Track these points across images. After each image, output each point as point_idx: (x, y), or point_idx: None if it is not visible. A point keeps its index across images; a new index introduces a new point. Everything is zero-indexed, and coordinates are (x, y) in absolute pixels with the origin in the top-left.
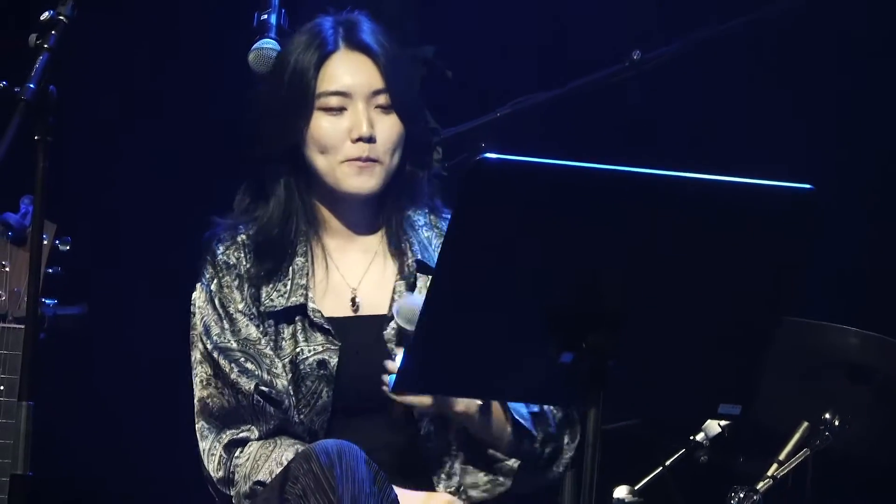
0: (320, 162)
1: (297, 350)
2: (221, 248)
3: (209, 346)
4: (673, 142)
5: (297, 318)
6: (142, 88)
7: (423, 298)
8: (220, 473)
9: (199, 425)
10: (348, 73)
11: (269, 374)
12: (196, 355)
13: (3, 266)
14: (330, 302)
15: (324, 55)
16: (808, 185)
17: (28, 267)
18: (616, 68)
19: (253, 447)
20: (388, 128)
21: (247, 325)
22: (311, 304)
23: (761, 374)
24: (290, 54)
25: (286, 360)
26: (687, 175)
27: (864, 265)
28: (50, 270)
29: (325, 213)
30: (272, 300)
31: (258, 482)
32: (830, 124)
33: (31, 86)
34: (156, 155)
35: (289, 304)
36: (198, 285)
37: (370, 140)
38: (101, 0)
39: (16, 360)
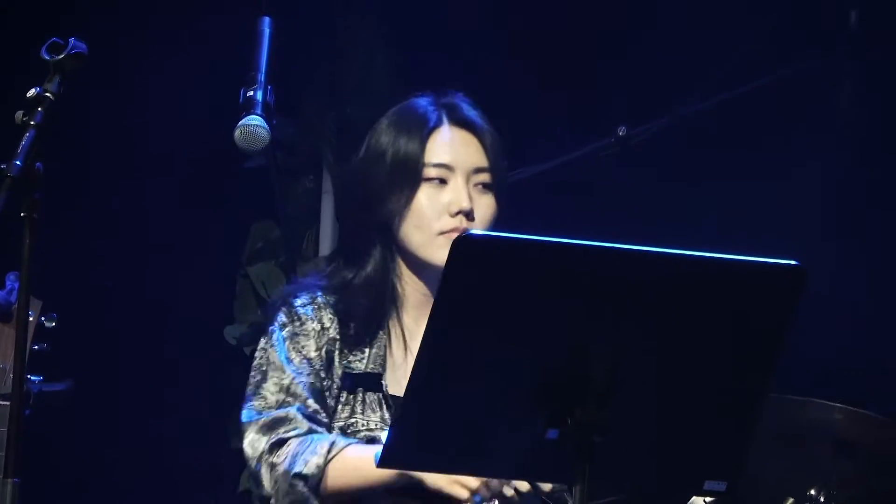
0: (414, 234)
1: (353, 420)
2: (299, 302)
3: (279, 364)
4: (657, 217)
5: (359, 389)
6: (128, 164)
7: None
8: (267, 482)
9: (249, 438)
10: (453, 147)
11: (328, 418)
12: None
13: None
14: (397, 380)
15: (430, 129)
16: (793, 261)
17: (14, 343)
18: (602, 143)
19: (292, 444)
20: (486, 207)
21: (317, 372)
22: (386, 377)
23: (747, 450)
24: (386, 130)
25: (338, 424)
26: (672, 252)
27: (849, 339)
28: (36, 347)
29: (407, 289)
30: (351, 363)
31: (297, 474)
32: (815, 199)
33: (18, 162)
34: (142, 231)
35: (367, 370)
36: (267, 334)
37: (469, 215)
38: (90, 77)
39: (1, 436)
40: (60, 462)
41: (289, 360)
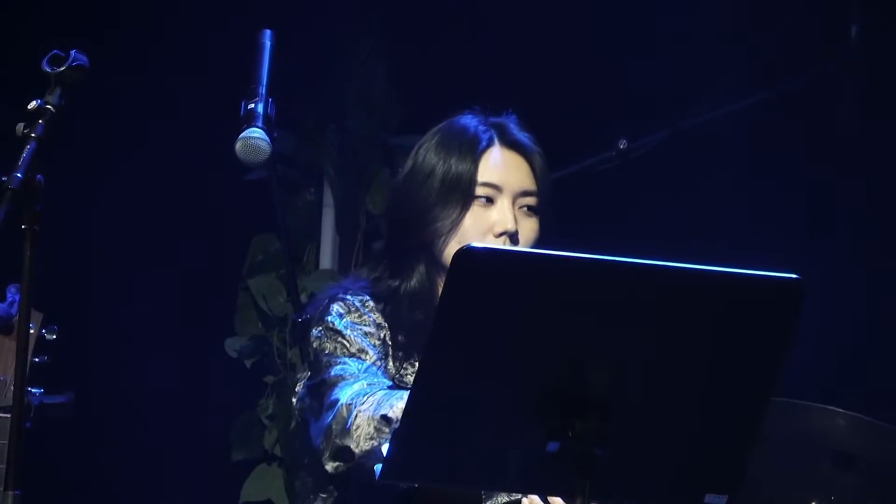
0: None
1: None
2: (350, 295)
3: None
4: (657, 230)
5: None
6: (129, 177)
7: None
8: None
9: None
10: (503, 167)
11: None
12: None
13: None
14: None
15: (483, 149)
16: (794, 275)
17: (15, 356)
18: (602, 157)
19: (377, 395)
20: (530, 230)
21: (382, 359)
22: None
23: (747, 463)
24: (436, 148)
25: None
26: (673, 265)
27: (852, 346)
28: (36, 359)
29: None
30: (403, 377)
31: (384, 417)
32: (815, 209)
33: (19, 175)
34: (142, 243)
35: None
36: (319, 328)
37: (514, 237)
38: (90, 91)
39: (2, 449)
40: (61, 474)
41: (360, 338)
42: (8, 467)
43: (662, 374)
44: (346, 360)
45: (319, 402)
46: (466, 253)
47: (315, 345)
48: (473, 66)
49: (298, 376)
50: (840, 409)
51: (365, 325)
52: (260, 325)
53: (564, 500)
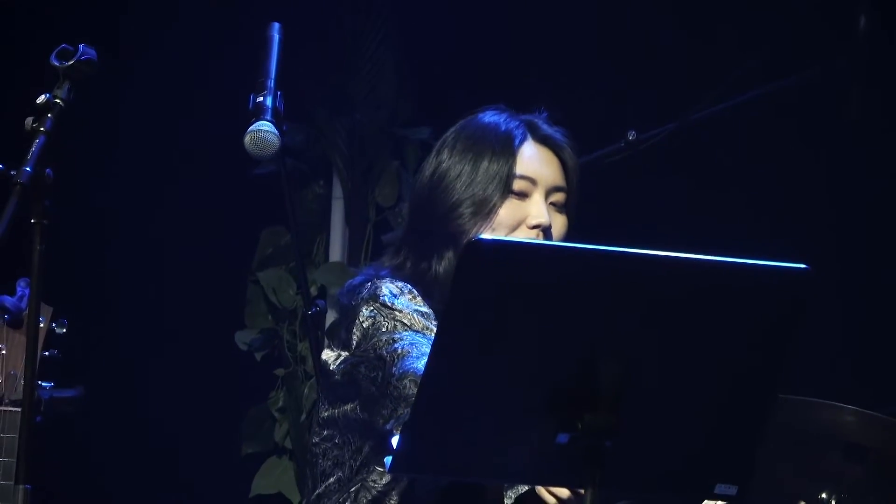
0: None
1: None
2: (389, 281)
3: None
4: (666, 221)
5: None
6: (138, 171)
7: None
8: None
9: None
10: (538, 162)
11: None
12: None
13: (0, 349)
14: None
15: (519, 143)
16: (802, 265)
17: (25, 350)
18: (611, 148)
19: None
20: (560, 226)
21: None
22: None
23: (757, 454)
24: (470, 141)
25: None
26: (681, 256)
27: (860, 342)
28: (46, 353)
29: None
30: None
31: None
32: (822, 201)
33: (28, 169)
34: (152, 237)
35: None
36: (372, 305)
37: (547, 231)
38: (98, 85)
39: (12, 443)
40: (71, 468)
41: (420, 317)
42: (18, 461)
43: (672, 365)
44: (411, 335)
45: (386, 372)
46: (475, 245)
47: (366, 324)
48: (482, 58)
49: (326, 357)
50: (849, 406)
51: (419, 305)
52: (270, 318)
53: (574, 491)
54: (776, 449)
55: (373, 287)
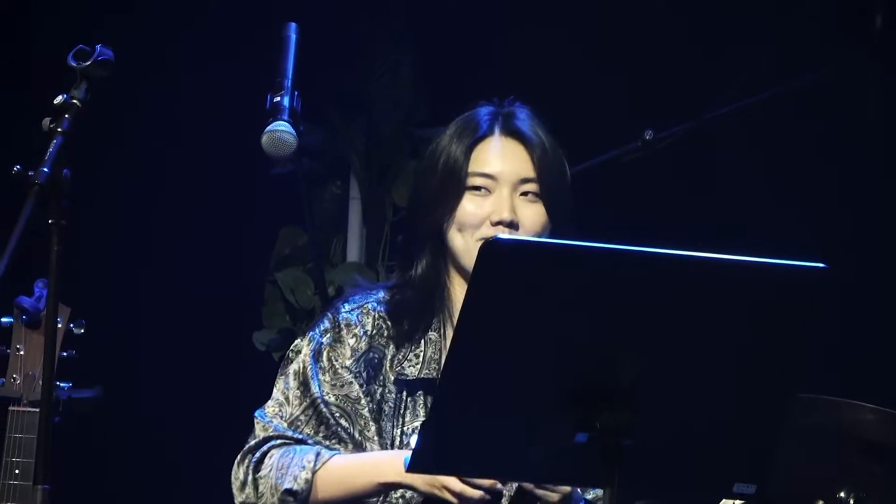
0: (457, 240)
1: (416, 424)
2: (347, 308)
3: (310, 394)
4: (680, 221)
5: (419, 393)
6: (156, 171)
7: None
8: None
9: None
10: (498, 157)
11: (360, 435)
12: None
13: (18, 350)
14: None
15: (477, 138)
16: (820, 264)
17: (43, 350)
18: (628, 147)
19: (274, 455)
20: (533, 216)
21: (350, 383)
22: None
23: (775, 452)
24: (445, 138)
25: (406, 429)
26: (699, 255)
27: (880, 340)
28: (64, 354)
29: (457, 293)
30: (404, 368)
31: (287, 490)
32: (834, 200)
33: (45, 169)
34: (170, 237)
35: (421, 375)
36: (307, 336)
37: (510, 225)
38: (117, 87)
39: (31, 443)
40: (90, 469)
41: (318, 372)
42: (37, 462)
43: (689, 364)
44: (283, 403)
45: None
46: (492, 245)
47: (290, 363)
48: (499, 58)
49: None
50: (868, 404)
51: (341, 344)
52: (287, 318)
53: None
54: (794, 447)
55: (321, 318)
